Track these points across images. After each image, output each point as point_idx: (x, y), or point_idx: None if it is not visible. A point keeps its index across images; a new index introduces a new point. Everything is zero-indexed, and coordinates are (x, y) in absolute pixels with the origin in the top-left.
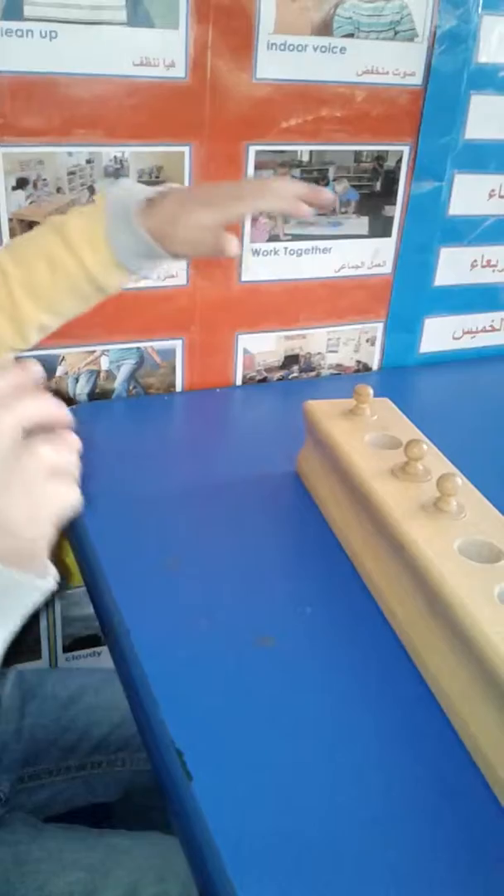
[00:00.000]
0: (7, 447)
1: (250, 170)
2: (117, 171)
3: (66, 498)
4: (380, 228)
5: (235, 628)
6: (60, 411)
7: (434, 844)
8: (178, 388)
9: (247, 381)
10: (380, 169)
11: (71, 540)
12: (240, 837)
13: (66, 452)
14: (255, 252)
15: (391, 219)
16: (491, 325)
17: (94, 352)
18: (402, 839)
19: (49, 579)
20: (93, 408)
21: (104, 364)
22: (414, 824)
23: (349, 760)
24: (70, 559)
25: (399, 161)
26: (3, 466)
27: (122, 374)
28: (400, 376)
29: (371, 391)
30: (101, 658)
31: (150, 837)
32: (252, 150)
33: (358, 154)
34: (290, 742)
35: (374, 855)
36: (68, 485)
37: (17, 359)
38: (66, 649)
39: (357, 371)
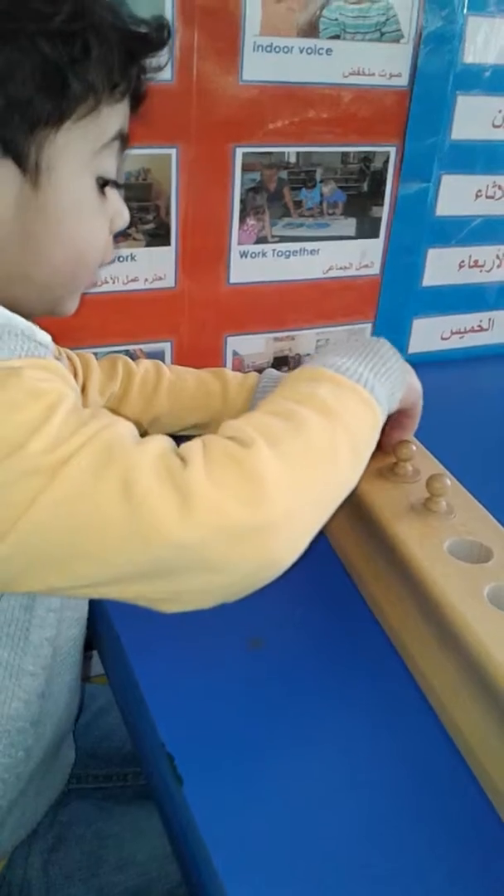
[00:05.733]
0: None
1: (237, 171)
2: None
3: None
4: (367, 229)
5: (225, 631)
6: None
7: (429, 846)
8: None
9: None
10: (367, 170)
11: None
12: (231, 842)
13: None
14: (243, 254)
15: (378, 220)
16: (479, 326)
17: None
18: (397, 842)
19: None
20: None
21: None
22: (407, 825)
23: (341, 762)
24: None
25: (386, 162)
26: None
27: None
28: None
29: None
30: (93, 662)
31: None
32: (239, 151)
33: (345, 155)
34: (281, 745)
35: (370, 860)
36: None
37: None
38: None
39: None
